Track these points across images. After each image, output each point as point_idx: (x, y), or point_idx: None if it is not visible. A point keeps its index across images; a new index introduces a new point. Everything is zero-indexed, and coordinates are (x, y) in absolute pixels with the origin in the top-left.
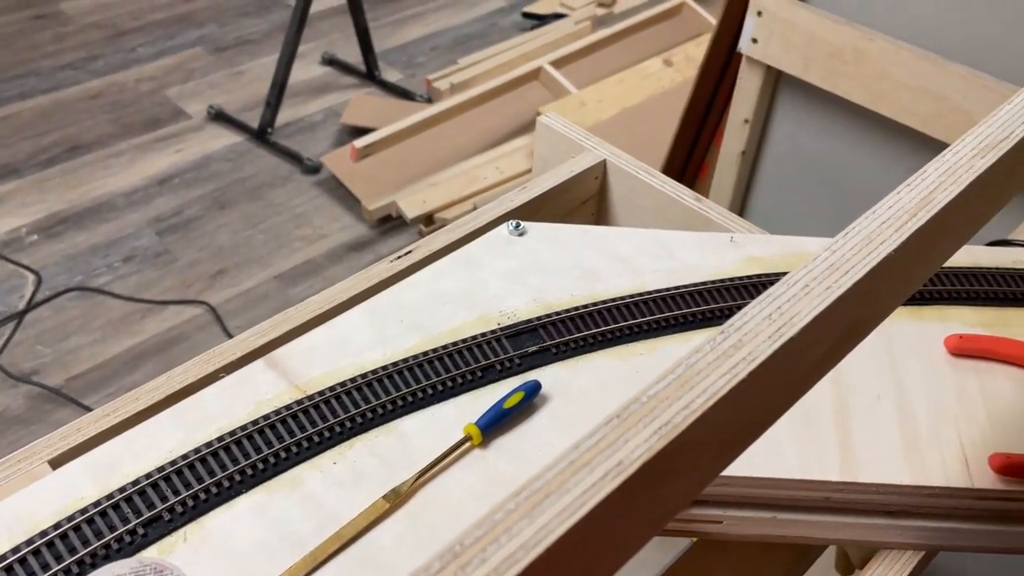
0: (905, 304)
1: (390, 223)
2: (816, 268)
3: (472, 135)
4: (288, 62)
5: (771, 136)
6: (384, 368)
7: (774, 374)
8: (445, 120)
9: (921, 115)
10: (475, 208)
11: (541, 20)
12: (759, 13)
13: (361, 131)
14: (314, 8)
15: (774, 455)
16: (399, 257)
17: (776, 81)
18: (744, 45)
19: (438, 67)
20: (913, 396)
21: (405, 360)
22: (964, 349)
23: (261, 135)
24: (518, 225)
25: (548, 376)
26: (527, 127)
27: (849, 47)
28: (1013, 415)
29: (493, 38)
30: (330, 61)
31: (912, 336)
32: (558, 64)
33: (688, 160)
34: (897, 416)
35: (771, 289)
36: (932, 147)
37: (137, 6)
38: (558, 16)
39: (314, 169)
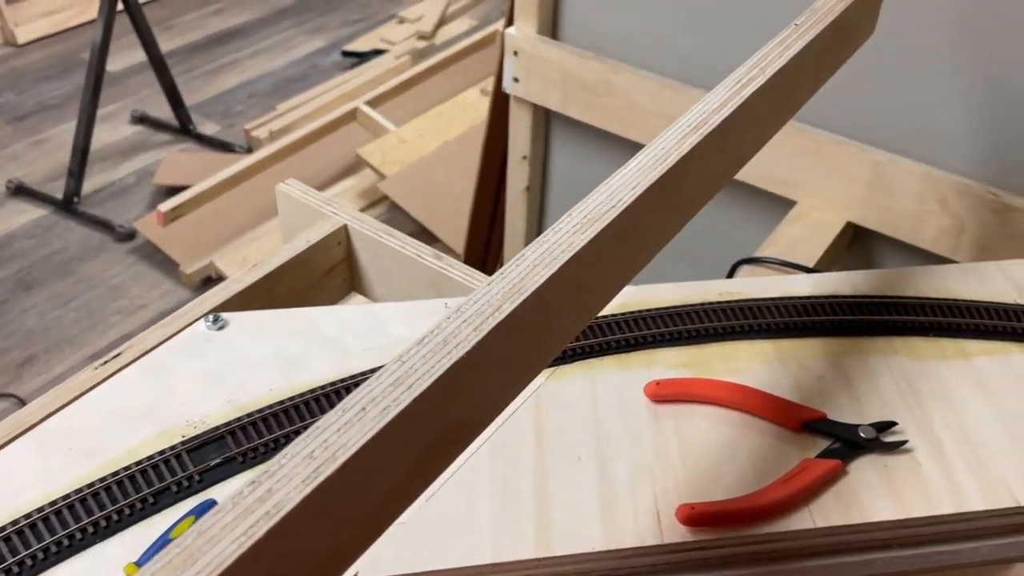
0: (613, 352)
1: (212, 284)
2: (377, 386)
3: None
4: (88, 126)
5: (552, 171)
6: (40, 510)
7: (314, 523)
8: (262, 170)
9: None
10: None
11: (362, 57)
12: (515, 53)
13: (178, 190)
14: (121, 64)
15: (470, 539)
16: (105, 363)
17: (547, 117)
18: (507, 84)
19: (257, 115)
20: (614, 451)
21: (66, 496)
22: (663, 395)
23: (67, 206)
24: (216, 319)
25: (232, 490)
26: (350, 170)
27: (600, 80)
28: (707, 458)
29: (314, 80)
30: (141, 119)
31: (616, 386)
32: (377, 102)
33: (497, 195)
34: (597, 476)
35: (323, 418)
36: None
37: None
38: (378, 52)
39: (128, 236)
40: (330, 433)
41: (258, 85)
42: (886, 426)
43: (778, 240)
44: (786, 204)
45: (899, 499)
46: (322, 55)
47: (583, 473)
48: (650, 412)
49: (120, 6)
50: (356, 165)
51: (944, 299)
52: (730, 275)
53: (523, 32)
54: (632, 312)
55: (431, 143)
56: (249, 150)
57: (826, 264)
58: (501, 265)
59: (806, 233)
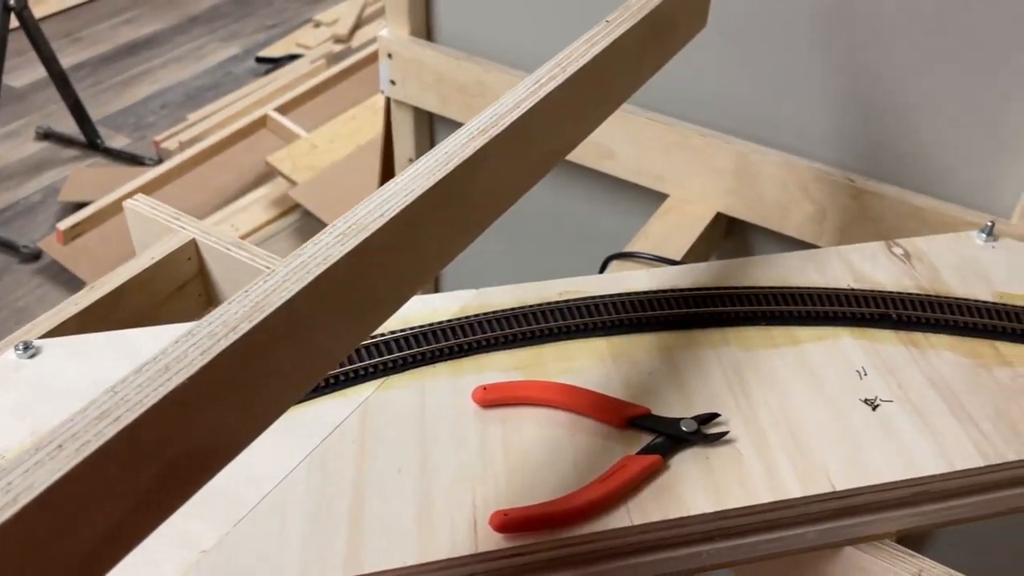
0: (445, 359)
1: None
2: (80, 420)
3: (203, 193)
4: None
5: None
6: None
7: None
8: (169, 182)
9: None
10: None
11: (276, 63)
12: (390, 55)
13: (85, 207)
14: (25, 80)
15: (277, 565)
16: None
17: (431, 119)
18: (385, 87)
19: (169, 126)
20: (437, 461)
21: None
22: (490, 399)
23: None
24: (27, 346)
25: None
26: (263, 178)
27: (473, 81)
28: (530, 462)
29: (227, 88)
30: (46, 135)
31: (447, 394)
32: (288, 107)
33: None
34: (417, 488)
35: (14, 459)
36: (571, 170)
37: None
38: (293, 57)
39: (34, 256)
40: (15, 476)
41: (170, 95)
42: (709, 418)
43: (649, 234)
44: (661, 198)
45: (718, 491)
46: (236, 62)
47: (403, 486)
48: (478, 418)
49: (16, 23)
50: (269, 173)
51: (776, 287)
52: (602, 271)
53: (396, 34)
54: (466, 317)
55: (343, 148)
56: (159, 162)
57: (700, 255)
58: None
59: (677, 225)
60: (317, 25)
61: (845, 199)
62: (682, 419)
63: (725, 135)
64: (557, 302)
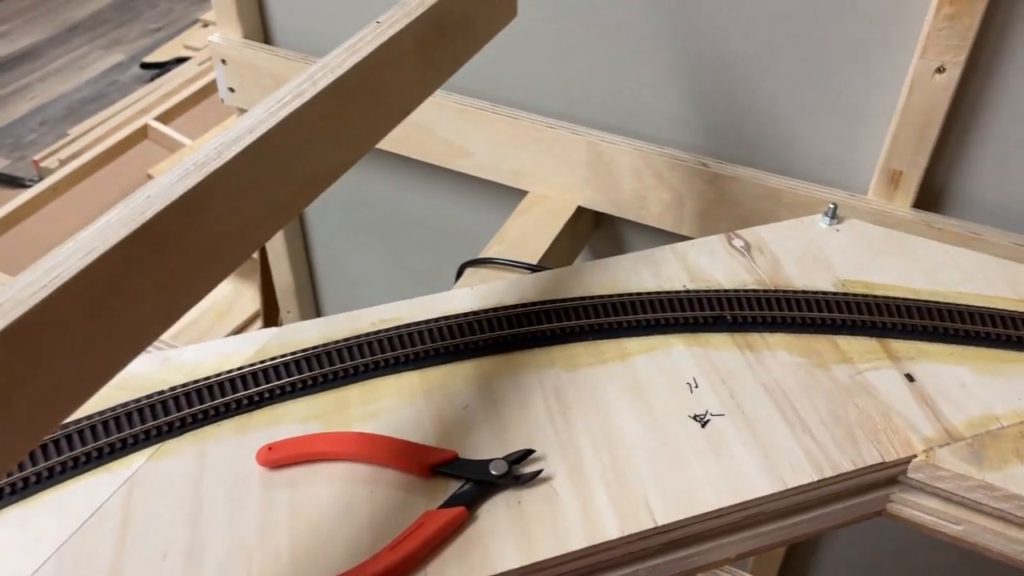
0: (231, 415)
1: None
2: None
3: (86, 212)
4: None
5: None
6: None
7: None
8: (48, 202)
9: (394, 139)
10: None
11: (163, 68)
12: (224, 61)
13: None
14: None
15: None
16: None
17: None
18: (224, 95)
19: (50, 143)
20: (209, 540)
21: None
22: (277, 460)
23: None
24: None
25: None
26: None
27: None
28: (320, 527)
29: (112, 98)
30: None
31: (229, 457)
32: (172, 114)
33: None
34: (183, 574)
35: None
36: (428, 171)
37: None
38: (181, 60)
39: None
40: None
41: (50, 110)
42: (523, 456)
43: (505, 236)
44: (522, 194)
45: (529, 540)
46: (121, 70)
47: (167, 574)
48: (263, 483)
49: None
50: None
51: (604, 296)
52: (457, 279)
53: (228, 38)
54: (261, 363)
55: None
56: (39, 182)
57: (565, 251)
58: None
59: (536, 223)
60: (205, 25)
61: (701, 185)
62: (492, 460)
63: (575, 126)
64: (367, 335)
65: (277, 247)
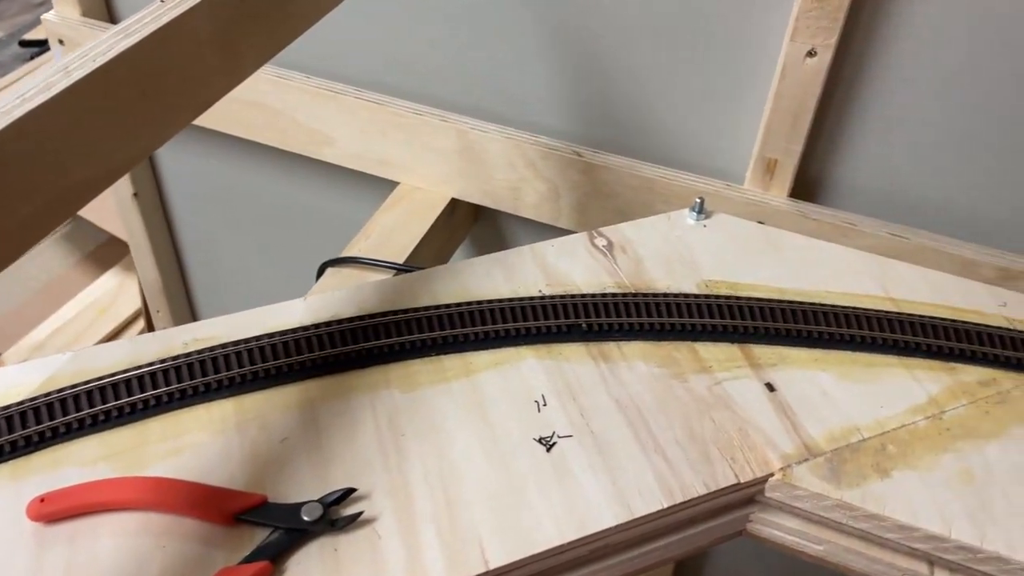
0: (6, 459)
1: None
2: None
3: None
4: None
5: (166, 174)
6: None
7: None
8: None
9: (256, 126)
10: None
11: (44, 46)
12: (61, 42)
13: None
14: None
15: None
16: None
17: None
18: None
19: None
20: None
21: None
22: (52, 513)
23: None
24: None
25: None
26: None
27: None
28: None
29: None
30: None
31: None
32: None
33: None
34: None
35: None
36: (295, 162)
37: None
38: None
39: None
40: None
41: None
42: (342, 496)
43: (371, 231)
44: (393, 185)
45: None
46: None
47: None
48: (36, 540)
49: None
50: None
51: (451, 305)
52: (318, 279)
53: (64, 16)
54: (47, 395)
55: None
56: None
57: (439, 246)
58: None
59: (405, 217)
60: None
61: (576, 175)
62: (304, 504)
63: (443, 112)
64: (174, 358)
65: (139, 240)
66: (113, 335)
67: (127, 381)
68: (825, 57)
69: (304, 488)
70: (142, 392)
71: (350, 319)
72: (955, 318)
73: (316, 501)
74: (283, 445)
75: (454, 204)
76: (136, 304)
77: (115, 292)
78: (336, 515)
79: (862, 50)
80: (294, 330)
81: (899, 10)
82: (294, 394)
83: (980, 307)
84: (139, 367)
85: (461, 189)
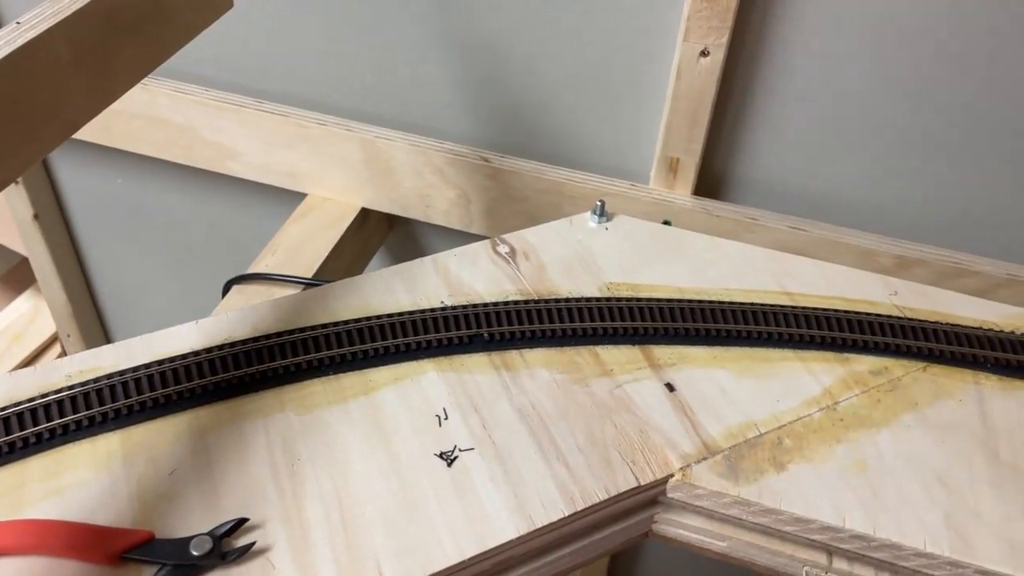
0: None
1: None
2: None
3: None
4: None
5: (67, 195)
6: None
7: None
8: None
9: (158, 143)
10: None
11: None
12: None
13: None
14: None
15: None
16: None
17: None
18: None
19: None
20: None
21: None
22: None
23: None
24: None
25: None
26: None
27: None
28: None
29: None
30: None
31: None
32: None
33: None
34: None
35: None
36: (198, 177)
37: None
38: None
39: None
40: None
41: None
42: (234, 527)
43: (278, 245)
44: (301, 197)
45: None
46: None
47: None
48: None
49: None
50: None
51: (349, 322)
52: (223, 296)
53: None
54: None
55: None
56: None
57: (352, 256)
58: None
59: (314, 230)
60: None
61: (484, 180)
62: (194, 538)
63: (347, 120)
64: (56, 392)
65: (43, 263)
66: (29, 361)
67: (4, 419)
68: (718, 56)
69: (194, 521)
70: (21, 430)
71: (243, 341)
72: (848, 309)
73: (206, 534)
74: (172, 478)
75: (365, 214)
76: (53, 328)
77: (31, 316)
78: (227, 547)
79: (754, 48)
80: (184, 356)
81: (788, 8)
82: (184, 423)
83: (872, 297)
84: (17, 403)
85: (370, 198)
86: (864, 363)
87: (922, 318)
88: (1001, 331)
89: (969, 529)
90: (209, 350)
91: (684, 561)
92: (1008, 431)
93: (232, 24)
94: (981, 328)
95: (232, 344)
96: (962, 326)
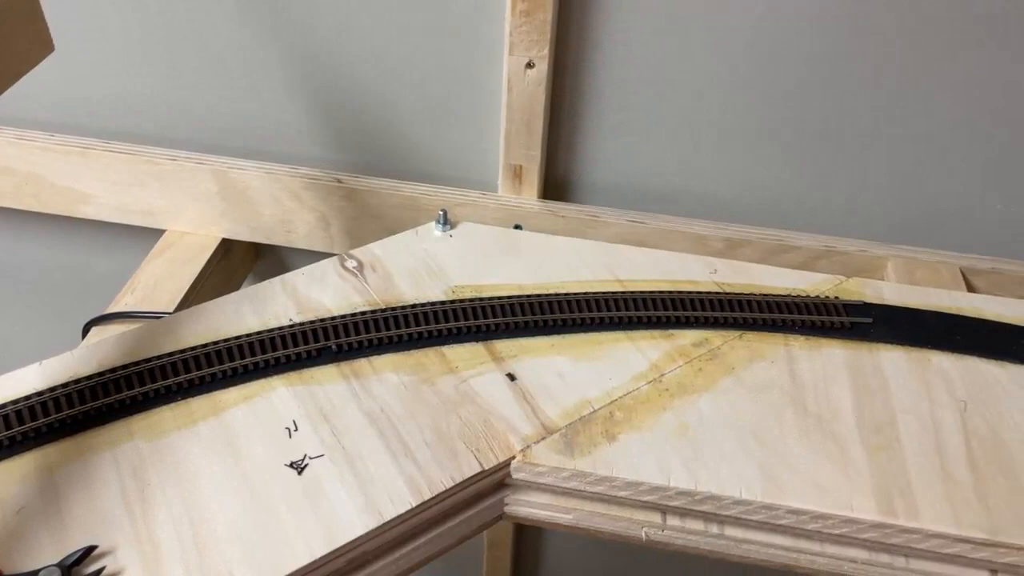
0: None
1: None
2: None
3: None
4: None
5: None
6: None
7: None
8: None
9: (6, 193)
10: None
11: None
12: None
13: None
14: None
15: None
16: None
17: None
18: None
19: None
20: None
21: None
22: None
23: None
24: None
25: None
26: None
27: None
28: None
29: None
30: None
31: None
32: None
33: None
34: None
35: None
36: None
37: None
38: None
39: None
40: None
41: None
42: (84, 555)
43: (137, 283)
44: (159, 234)
45: None
46: None
47: None
48: None
49: None
50: None
51: (196, 348)
52: (83, 338)
53: None
54: None
55: None
56: None
57: (217, 288)
58: None
59: (173, 265)
60: None
61: (340, 201)
62: (42, 570)
63: (199, 154)
64: None
65: None
66: None
67: None
68: (543, 68)
69: (43, 555)
70: None
71: (88, 377)
72: (672, 289)
73: (55, 565)
74: (19, 516)
75: (227, 244)
76: None
77: None
78: (80, 574)
79: (578, 57)
80: (27, 396)
81: (606, 18)
82: (31, 462)
83: (695, 277)
84: None
85: (230, 229)
86: (687, 337)
87: (738, 291)
88: (808, 296)
89: (781, 475)
90: (53, 389)
91: (586, 558)
92: (814, 384)
93: (66, 65)
94: (790, 295)
95: (76, 381)
96: (773, 295)
